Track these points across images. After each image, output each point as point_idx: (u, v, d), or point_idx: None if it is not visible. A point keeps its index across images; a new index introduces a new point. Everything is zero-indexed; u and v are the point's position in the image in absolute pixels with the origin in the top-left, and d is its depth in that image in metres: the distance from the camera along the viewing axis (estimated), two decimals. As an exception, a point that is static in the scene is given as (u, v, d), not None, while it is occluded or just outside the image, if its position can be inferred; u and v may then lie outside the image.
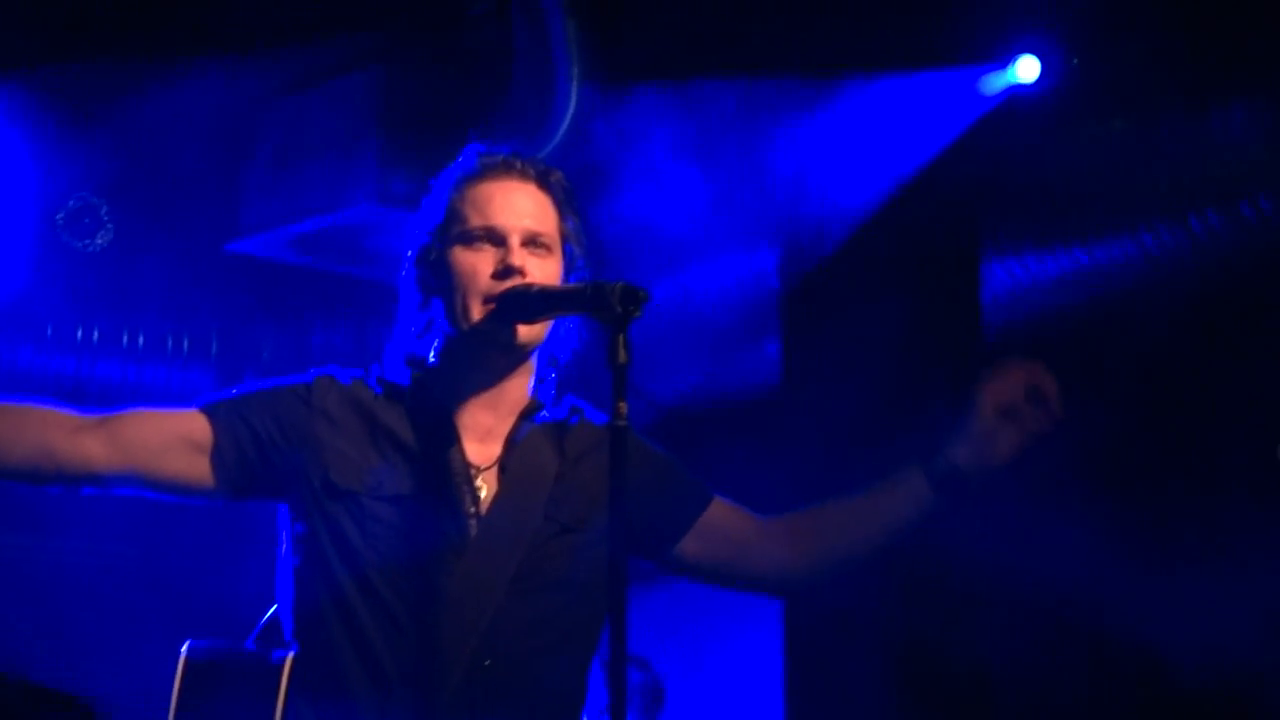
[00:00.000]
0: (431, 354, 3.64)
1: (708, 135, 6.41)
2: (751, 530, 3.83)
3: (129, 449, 3.50)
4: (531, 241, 3.58)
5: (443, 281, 3.59)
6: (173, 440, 3.53)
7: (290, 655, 3.48)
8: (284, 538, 3.61)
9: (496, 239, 3.57)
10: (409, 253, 3.68)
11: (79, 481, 3.52)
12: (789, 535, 3.87)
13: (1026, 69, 6.03)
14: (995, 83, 6.07)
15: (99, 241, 7.19)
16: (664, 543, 3.78)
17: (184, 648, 3.52)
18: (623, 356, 3.25)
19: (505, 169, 3.65)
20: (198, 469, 3.53)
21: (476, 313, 3.53)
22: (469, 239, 3.58)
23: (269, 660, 3.47)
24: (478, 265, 3.55)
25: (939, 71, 6.09)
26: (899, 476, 3.88)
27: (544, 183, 3.66)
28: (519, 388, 3.64)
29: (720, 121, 6.38)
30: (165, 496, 3.57)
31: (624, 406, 3.20)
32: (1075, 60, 6.01)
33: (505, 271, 3.53)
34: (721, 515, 3.82)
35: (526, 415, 3.64)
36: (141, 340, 7.93)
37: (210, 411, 3.56)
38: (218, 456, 3.54)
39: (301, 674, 3.47)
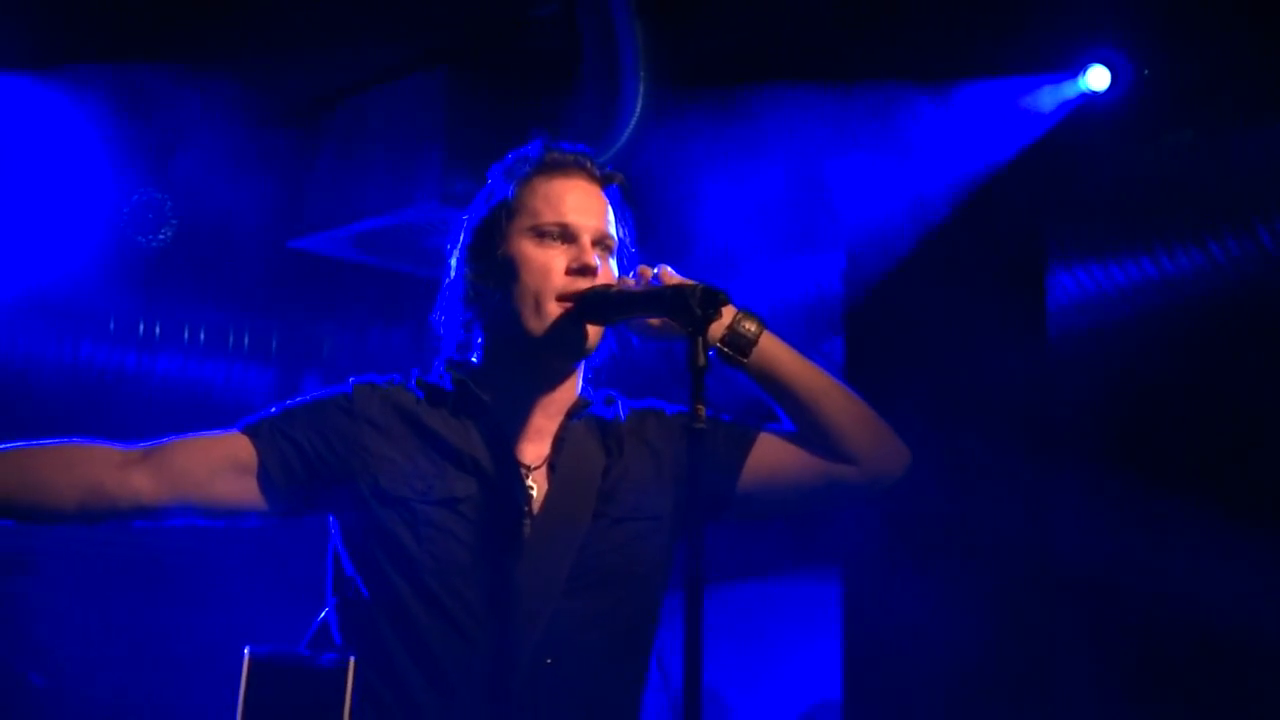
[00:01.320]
0: (477, 351, 3.60)
1: (776, 139, 6.41)
2: (800, 449, 3.70)
3: (177, 480, 3.46)
4: (599, 243, 3.57)
5: (507, 275, 3.54)
6: (219, 466, 3.49)
7: (352, 660, 3.46)
8: (335, 546, 3.58)
9: (569, 236, 3.54)
10: (463, 239, 3.63)
11: (130, 517, 3.48)
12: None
13: (1097, 78, 6.02)
14: (1066, 91, 6.05)
15: (162, 236, 7.22)
16: (721, 498, 3.69)
17: (245, 651, 3.47)
18: (702, 359, 3.23)
19: (577, 167, 3.63)
20: (247, 492, 3.50)
21: (551, 311, 3.50)
22: (541, 234, 3.54)
23: (332, 665, 3.45)
24: (551, 262, 3.52)
25: (1010, 79, 6.08)
26: None
27: (607, 186, 3.65)
28: (570, 388, 3.61)
29: (788, 125, 6.37)
30: (217, 523, 3.55)
31: (703, 409, 3.18)
32: (1146, 70, 5.99)
33: (582, 270, 3.52)
34: (773, 447, 3.69)
35: (574, 414, 3.62)
36: (203, 335, 7.96)
37: (253, 433, 3.52)
38: (265, 477, 3.50)
39: (362, 680, 3.46)
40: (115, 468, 3.45)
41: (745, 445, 3.69)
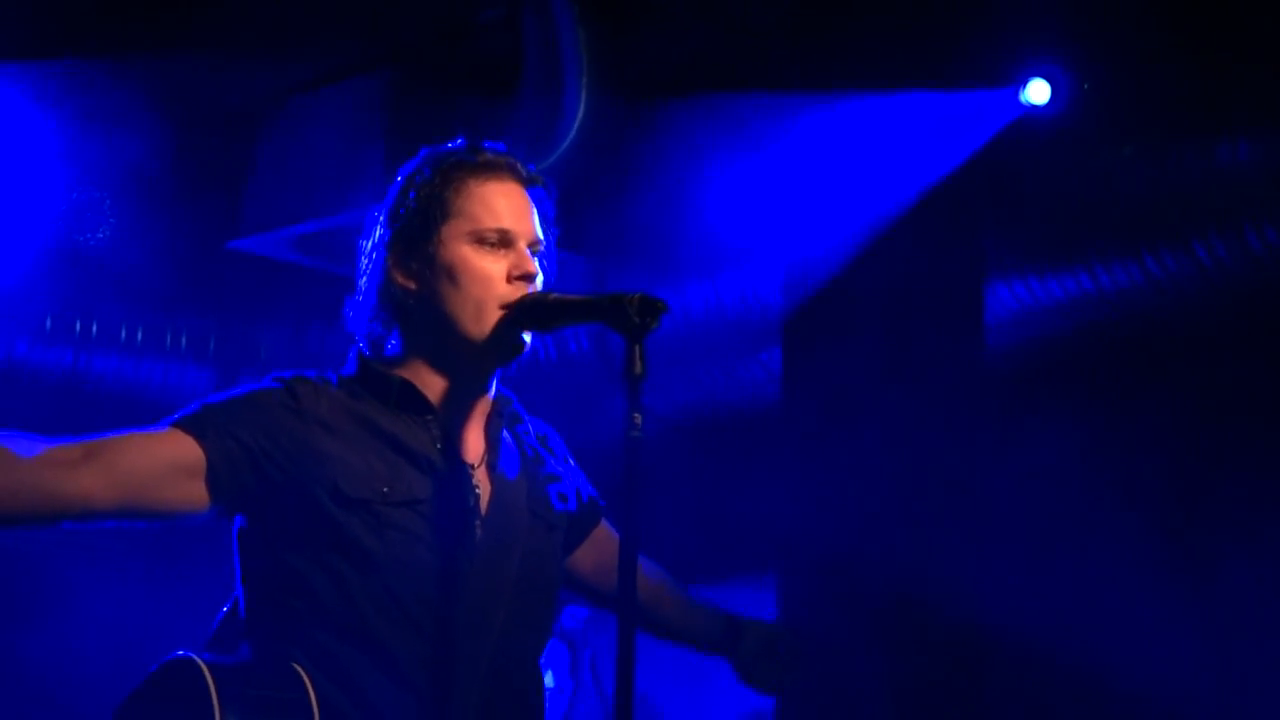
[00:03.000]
0: (395, 348, 3.55)
1: (715, 150, 6.42)
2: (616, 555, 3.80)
3: (125, 482, 3.36)
4: (532, 247, 3.57)
5: (444, 279, 3.51)
6: (166, 468, 3.39)
7: (295, 664, 3.41)
8: (253, 543, 3.50)
9: (507, 242, 3.54)
10: (384, 234, 3.56)
11: (74, 519, 3.37)
12: (647, 580, 3.87)
13: (1037, 92, 6.04)
14: (1006, 105, 6.07)
15: (101, 235, 7.18)
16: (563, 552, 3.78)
17: (198, 660, 3.34)
18: (639, 368, 3.24)
19: (510, 171, 3.61)
20: (193, 494, 3.41)
21: (491, 318, 3.50)
22: (481, 240, 3.52)
23: (282, 668, 3.40)
24: (492, 269, 3.50)
25: (950, 92, 6.09)
26: (712, 612, 4.05)
27: (536, 190, 3.65)
28: (491, 388, 3.61)
29: (728, 136, 6.39)
30: (154, 524, 3.46)
31: (639, 418, 3.19)
32: (1086, 85, 6.02)
33: (524, 277, 3.51)
34: (604, 535, 3.82)
35: (497, 413, 3.61)
36: (140, 335, 7.92)
37: (197, 431, 3.42)
38: (213, 479, 3.41)
39: (315, 683, 3.41)
40: (61, 467, 3.32)
41: (593, 522, 3.80)
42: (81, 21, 6.29)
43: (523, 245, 3.54)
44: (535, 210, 3.60)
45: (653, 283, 6.69)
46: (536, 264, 3.55)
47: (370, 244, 3.60)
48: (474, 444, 3.57)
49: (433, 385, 3.55)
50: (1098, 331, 6.39)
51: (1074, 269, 6.33)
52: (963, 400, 6.08)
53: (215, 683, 3.32)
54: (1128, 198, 6.21)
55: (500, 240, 3.53)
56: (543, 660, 3.67)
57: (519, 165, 3.62)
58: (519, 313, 3.48)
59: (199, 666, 3.35)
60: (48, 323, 7.76)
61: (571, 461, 3.82)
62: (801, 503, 5.92)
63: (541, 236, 3.58)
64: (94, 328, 7.83)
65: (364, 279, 3.59)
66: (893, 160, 6.19)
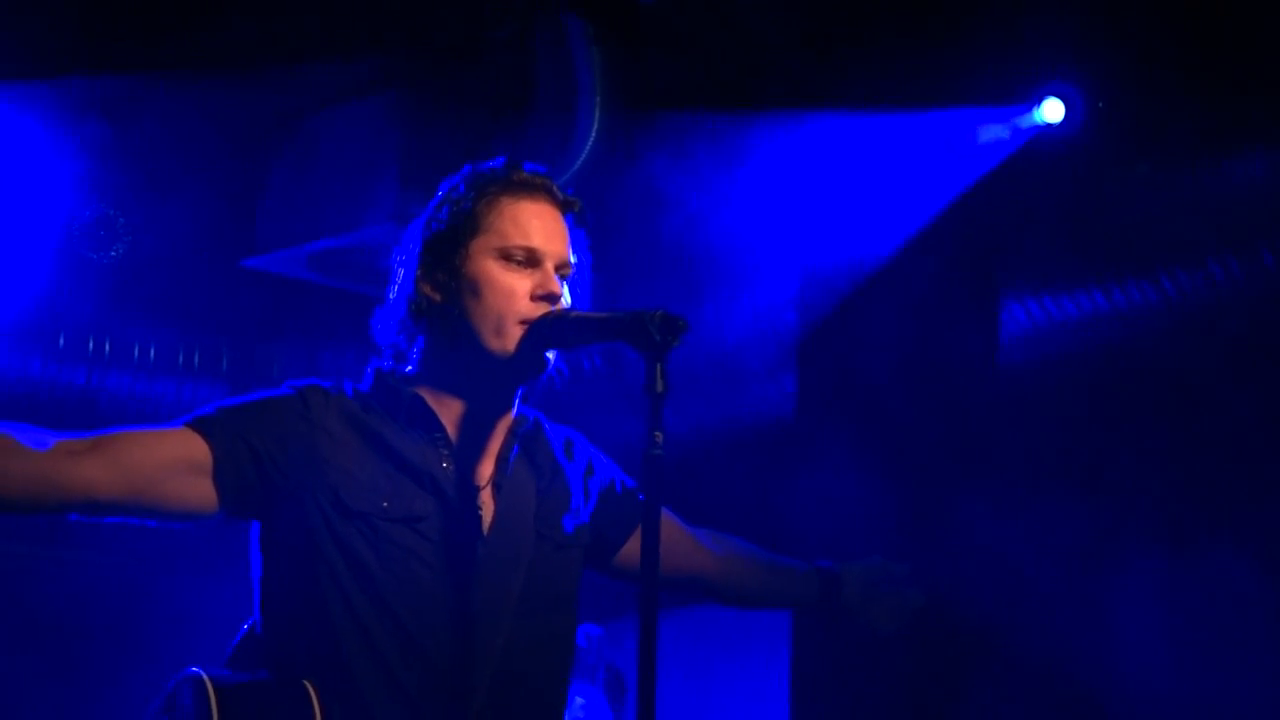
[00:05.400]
0: (416, 362, 3.56)
1: (729, 168, 6.43)
2: (681, 538, 3.85)
3: (130, 473, 3.38)
4: (560, 269, 3.57)
5: (468, 292, 3.52)
6: (173, 463, 3.41)
7: (307, 682, 3.41)
8: (270, 558, 3.52)
9: (534, 261, 3.54)
10: (416, 247, 3.58)
11: (76, 509, 3.40)
12: (714, 556, 3.95)
13: (1052, 111, 6.05)
14: (1020, 124, 6.08)
15: (114, 253, 7.18)
16: (607, 551, 3.78)
17: (203, 676, 3.37)
18: (660, 385, 3.25)
19: (545, 191, 3.62)
20: (200, 492, 3.43)
21: (512, 335, 3.50)
22: (508, 256, 3.53)
23: (292, 688, 3.40)
24: (516, 286, 3.51)
25: (965, 110, 6.11)
26: (802, 569, 4.10)
27: (569, 212, 3.65)
28: (511, 407, 3.61)
29: (742, 155, 6.39)
30: (158, 522, 3.48)
31: (660, 436, 3.20)
32: (1100, 104, 6.02)
33: (547, 297, 3.52)
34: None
35: (514, 432, 3.61)
36: (153, 353, 7.93)
37: (207, 431, 3.44)
38: (220, 478, 3.43)
39: (324, 701, 3.41)
40: (66, 456, 3.35)
41: (634, 520, 3.77)
42: (95, 41, 6.30)
43: (549, 265, 3.54)
44: (569, 233, 3.61)
45: (668, 301, 6.70)
46: (563, 286, 3.55)
47: (403, 255, 3.62)
48: (484, 462, 3.57)
49: (449, 403, 3.56)
50: (1111, 349, 6.39)
51: (1088, 287, 6.35)
52: (976, 416, 6.08)
53: (218, 702, 3.34)
54: (1142, 216, 6.21)
55: (527, 259, 3.53)
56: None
57: (555, 187, 3.63)
58: (536, 330, 3.49)
59: (205, 684, 3.36)
60: (61, 341, 7.76)
61: (603, 460, 3.81)
62: (815, 518, 5.92)
63: (573, 260, 3.59)
64: (107, 346, 7.84)
65: (393, 289, 3.60)
66: (907, 178, 6.20)
